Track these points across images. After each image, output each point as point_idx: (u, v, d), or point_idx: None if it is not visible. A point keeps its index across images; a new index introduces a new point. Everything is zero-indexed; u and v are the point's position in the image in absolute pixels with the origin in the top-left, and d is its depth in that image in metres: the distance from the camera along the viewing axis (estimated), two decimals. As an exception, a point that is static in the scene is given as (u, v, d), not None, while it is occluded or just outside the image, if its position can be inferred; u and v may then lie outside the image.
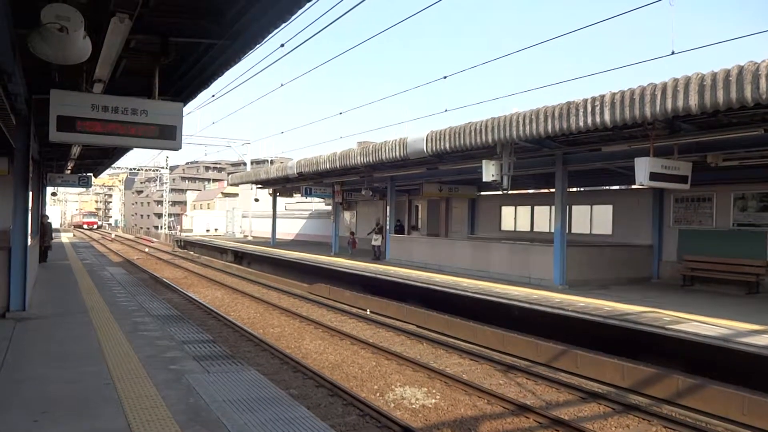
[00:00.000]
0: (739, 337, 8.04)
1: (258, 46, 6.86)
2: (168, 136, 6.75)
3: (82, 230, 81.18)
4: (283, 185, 28.59)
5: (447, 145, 13.26)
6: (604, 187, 19.31)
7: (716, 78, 7.92)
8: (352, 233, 24.80)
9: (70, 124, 6.26)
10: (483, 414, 7.76)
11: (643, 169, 10.23)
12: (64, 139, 6.47)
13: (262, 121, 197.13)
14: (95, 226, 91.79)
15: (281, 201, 37.84)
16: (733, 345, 7.91)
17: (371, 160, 16.86)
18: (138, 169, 63.51)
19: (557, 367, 10.00)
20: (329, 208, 31.68)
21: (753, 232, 13.94)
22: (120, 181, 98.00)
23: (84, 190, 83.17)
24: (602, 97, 9.59)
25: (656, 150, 10.65)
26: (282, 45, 10.28)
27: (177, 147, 6.84)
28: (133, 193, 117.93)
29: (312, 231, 37.65)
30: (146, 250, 41.57)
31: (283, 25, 6.13)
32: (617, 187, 19.00)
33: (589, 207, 18.75)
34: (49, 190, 32.58)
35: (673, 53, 8.95)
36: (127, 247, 44.56)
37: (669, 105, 8.49)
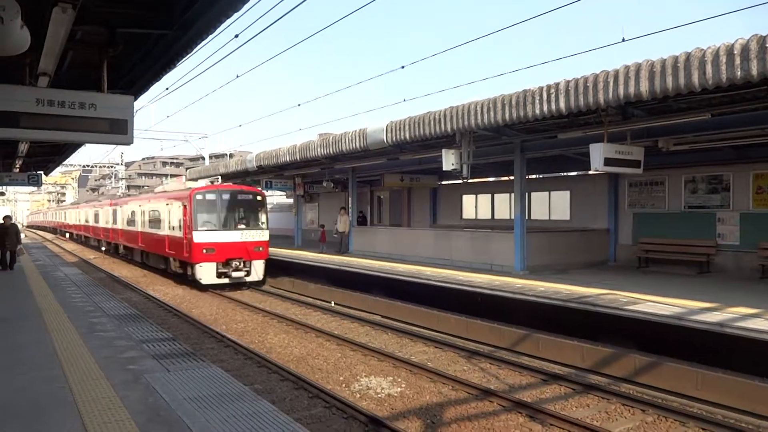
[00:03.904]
0: (691, 315, 8.33)
1: (210, 36, 6.71)
2: (119, 130, 6.54)
3: (35, 231, 76.90)
4: (242, 179, 28.15)
5: (407, 135, 13.27)
6: (562, 174, 19.68)
7: (665, 64, 8.12)
8: (322, 225, 24.15)
9: (13, 120, 6.00)
10: (448, 400, 7.84)
11: (598, 154, 10.45)
12: (7, 136, 6.22)
13: (220, 114, 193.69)
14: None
15: (242, 195, 36.97)
16: (686, 323, 8.19)
17: (332, 152, 16.75)
18: (92, 166, 61.59)
19: (519, 351, 10.19)
20: (291, 201, 31.37)
21: (703, 214, 14.44)
22: (73, 178, 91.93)
23: (35, 189, 78.14)
24: (557, 84, 9.74)
25: (610, 136, 10.89)
26: (236, 36, 10.04)
27: (128, 142, 6.65)
28: (87, 191, 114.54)
29: (273, 224, 37.21)
30: (103, 249, 40.44)
31: (236, 15, 6.01)
32: (574, 173, 19.38)
33: (547, 193, 19.09)
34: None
35: (623, 40, 9.14)
36: (83, 247, 43.23)
37: (621, 91, 8.68)
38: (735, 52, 7.31)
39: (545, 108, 9.92)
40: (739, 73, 7.30)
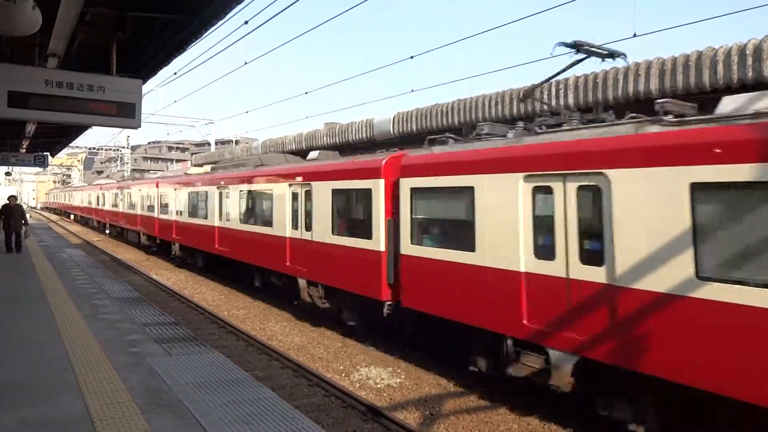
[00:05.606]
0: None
1: (219, 23, 6.70)
2: (126, 113, 6.56)
3: (39, 212, 76.86)
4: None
5: (413, 127, 13.25)
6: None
7: (676, 63, 8.08)
8: None
9: (22, 100, 6.03)
10: (447, 392, 7.88)
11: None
12: (15, 116, 6.24)
13: (227, 99, 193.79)
14: None
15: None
16: None
17: (338, 141, 16.75)
18: (98, 149, 61.81)
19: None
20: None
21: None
22: (79, 161, 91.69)
23: (41, 170, 77.69)
24: (566, 80, 9.70)
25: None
26: (246, 22, 10.00)
27: (136, 125, 6.67)
28: (93, 173, 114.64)
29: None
30: (107, 231, 40.61)
31: (245, 1, 6.00)
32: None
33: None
34: (3, 169, 31.42)
35: (635, 36, 9.07)
36: (87, 229, 43.43)
37: (630, 89, 8.65)
38: (747, 52, 7.27)
39: (554, 103, 9.89)
40: (750, 73, 7.27)
